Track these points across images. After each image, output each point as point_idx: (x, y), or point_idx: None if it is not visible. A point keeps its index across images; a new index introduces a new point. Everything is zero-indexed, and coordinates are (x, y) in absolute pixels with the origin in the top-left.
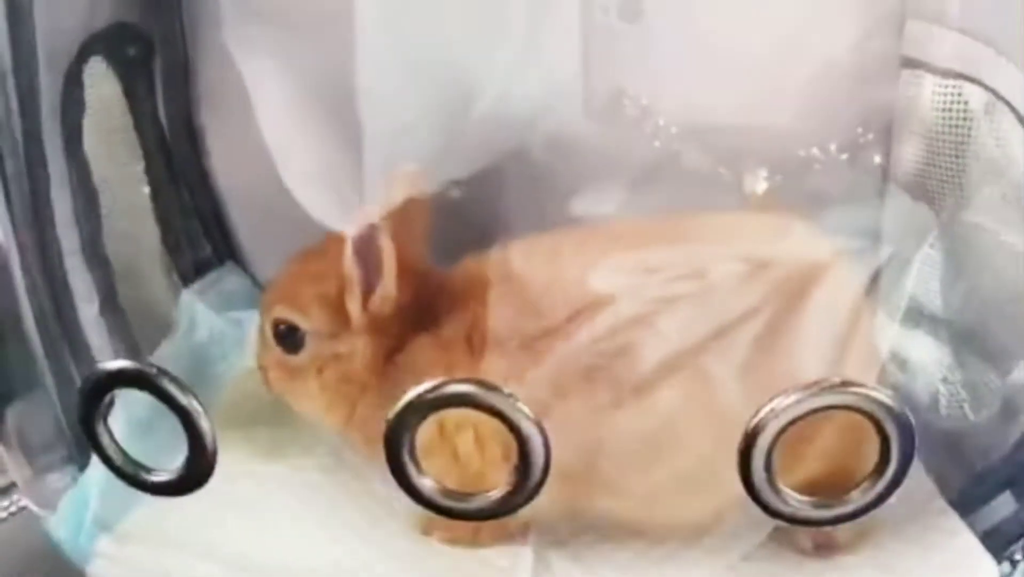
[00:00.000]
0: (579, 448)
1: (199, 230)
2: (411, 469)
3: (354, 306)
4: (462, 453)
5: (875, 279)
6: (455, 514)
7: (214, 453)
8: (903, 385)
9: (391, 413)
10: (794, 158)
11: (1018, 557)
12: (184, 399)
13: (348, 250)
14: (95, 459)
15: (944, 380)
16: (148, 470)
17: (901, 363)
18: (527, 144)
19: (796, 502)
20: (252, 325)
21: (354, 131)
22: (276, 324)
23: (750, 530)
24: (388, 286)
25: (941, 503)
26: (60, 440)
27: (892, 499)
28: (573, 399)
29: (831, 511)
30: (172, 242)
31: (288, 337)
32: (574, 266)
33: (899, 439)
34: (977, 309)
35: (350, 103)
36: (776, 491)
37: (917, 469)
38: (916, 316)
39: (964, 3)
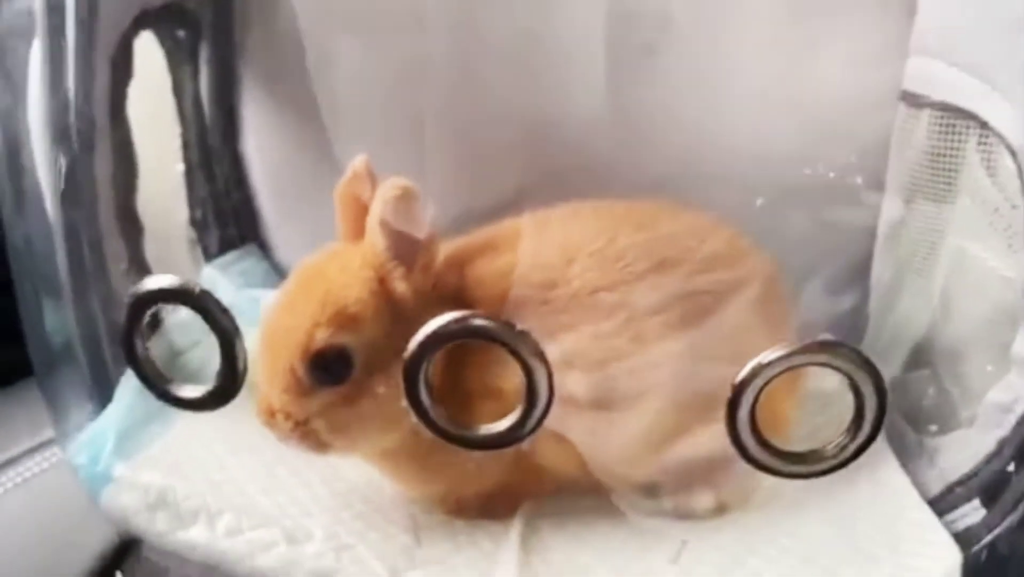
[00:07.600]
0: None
1: (227, 211)
2: (425, 397)
3: (402, 286)
4: None
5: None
6: (465, 442)
7: (243, 373)
8: None
9: (414, 341)
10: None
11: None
12: (223, 318)
13: (374, 224)
14: (116, 398)
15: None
16: (179, 386)
17: None
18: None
19: (778, 456)
20: None
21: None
22: (316, 357)
23: None
24: (430, 249)
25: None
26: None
27: None
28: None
29: (809, 466)
30: (199, 219)
31: (335, 367)
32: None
33: (874, 395)
34: (958, 332)
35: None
36: (761, 444)
37: None
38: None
39: (961, 40)
